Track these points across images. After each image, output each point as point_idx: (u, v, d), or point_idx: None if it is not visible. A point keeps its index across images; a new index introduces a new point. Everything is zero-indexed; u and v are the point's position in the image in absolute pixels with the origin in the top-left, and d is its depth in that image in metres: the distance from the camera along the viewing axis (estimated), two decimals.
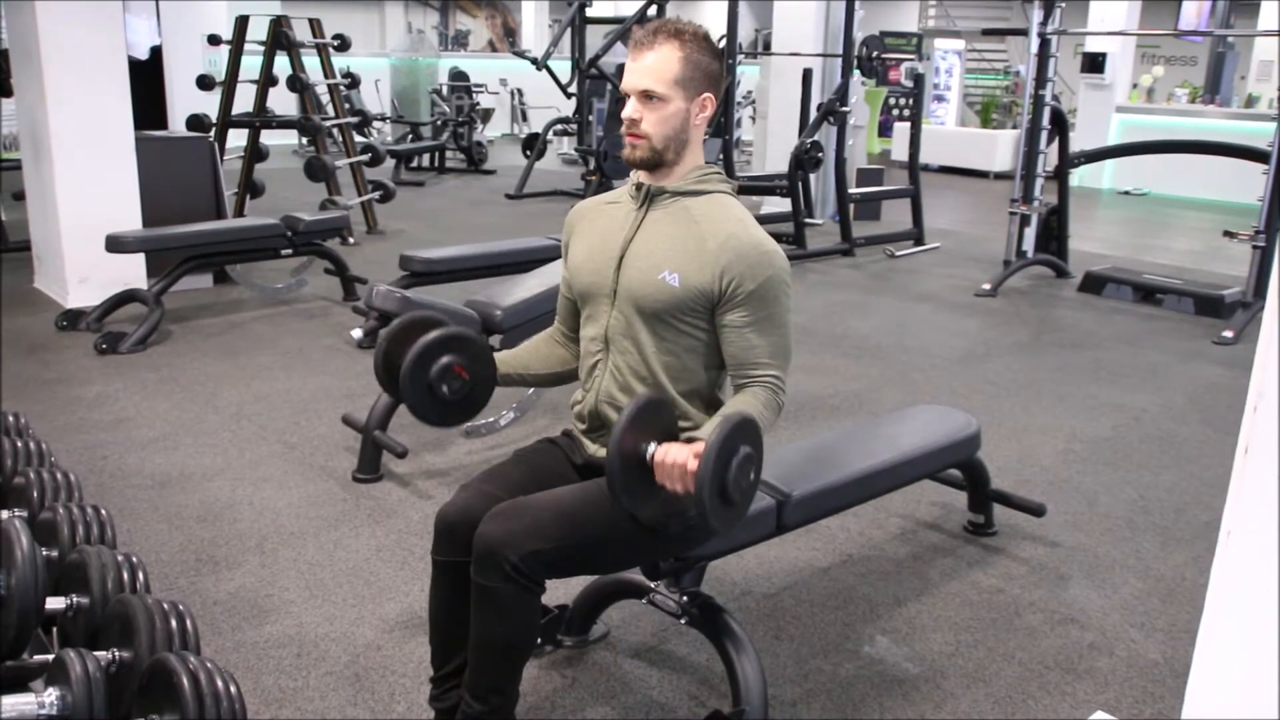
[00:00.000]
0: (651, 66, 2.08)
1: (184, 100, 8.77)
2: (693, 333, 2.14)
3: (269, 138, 8.90)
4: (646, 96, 2.08)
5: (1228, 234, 6.55)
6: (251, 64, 8.51)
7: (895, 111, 15.41)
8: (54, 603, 1.99)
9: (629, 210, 2.22)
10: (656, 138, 2.11)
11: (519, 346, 2.42)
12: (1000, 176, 13.45)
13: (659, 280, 2.10)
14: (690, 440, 1.90)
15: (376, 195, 8.50)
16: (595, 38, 10.95)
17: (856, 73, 8.73)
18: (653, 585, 2.46)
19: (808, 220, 8.24)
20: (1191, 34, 12.50)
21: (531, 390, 4.29)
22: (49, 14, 5.48)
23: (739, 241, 2.08)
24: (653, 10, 9.66)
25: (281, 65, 8.44)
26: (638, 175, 2.22)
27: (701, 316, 2.12)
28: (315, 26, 8.70)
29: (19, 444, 2.63)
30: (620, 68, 10.77)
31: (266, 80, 8.51)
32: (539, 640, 2.56)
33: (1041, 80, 7.17)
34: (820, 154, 8.10)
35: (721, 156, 8.54)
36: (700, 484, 1.80)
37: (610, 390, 2.20)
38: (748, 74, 13.31)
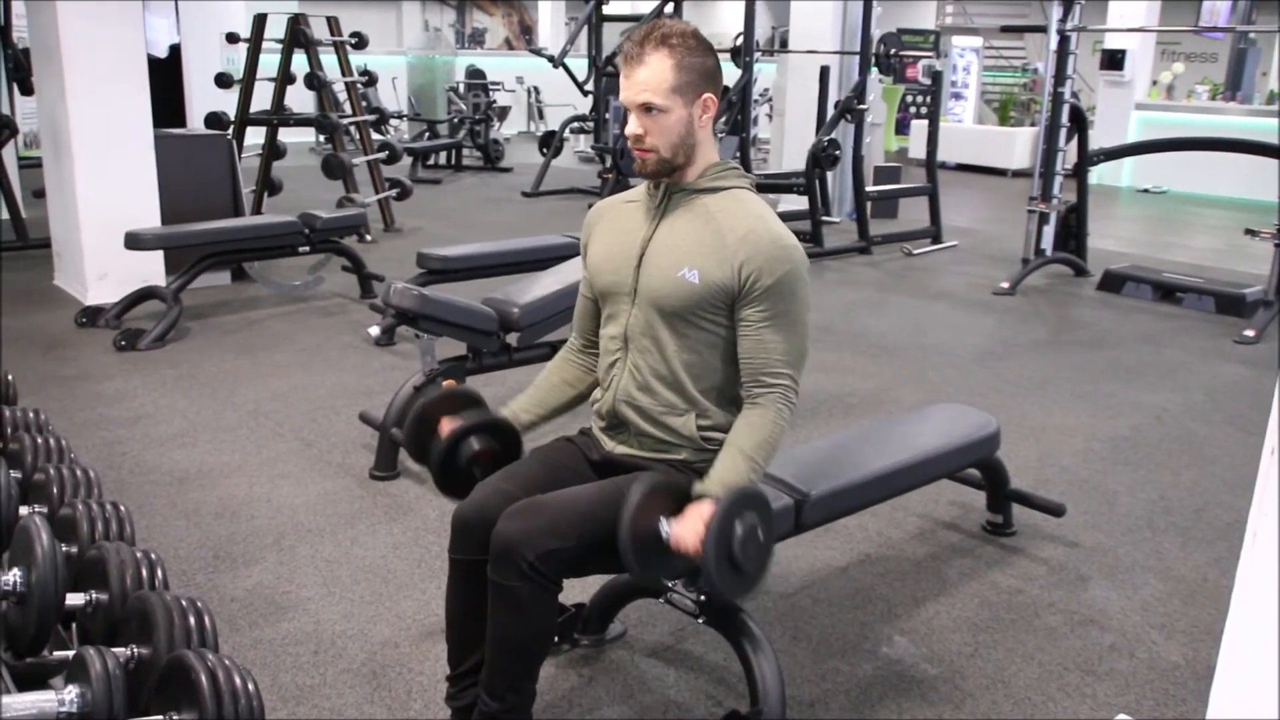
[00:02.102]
0: (645, 80, 2.06)
1: (202, 98, 8.81)
2: (713, 330, 2.13)
3: (287, 135, 8.93)
4: (646, 109, 2.07)
5: (1249, 232, 6.49)
6: (269, 62, 8.54)
7: (913, 109, 15.36)
8: (73, 599, 2.00)
9: (647, 209, 2.22)
10: (664, 148, 2.10)
11: (531, 387, 2.43)
12: (1018, 174, 13.39)
13: (679, 278, 2.10)
14: (699, 495, 2.01)
15: (394, 193, 8.52)
16: (612, 35, 10.94)
17: (874, 70, 8.70)
18: (670, 584, 2.45)
19: (825, 218, 8.21)
20: (1212, 30, 12.43)
21: None
22: (70, 13, 5.51)
23: (758, 236, 2.07)
24: (669, 8, 9.65)
25: (299, 63, 8.46)
26: None
27: (722, 313, 2.11)
28: (333, 24, 8.72)
29: (39, 440, 2.65)
30: None
31: (284, 78, 8.54)
32: (556, 639, 2.56)
33: (1061, 77, 7.12)
34: (837, 152, 8.07)
35: (738, 154, 8.52)
36: (706, 561, 1.92)
37: (629, 389, 2.19)
38: (765, 72, 13.28)
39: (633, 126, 2.09)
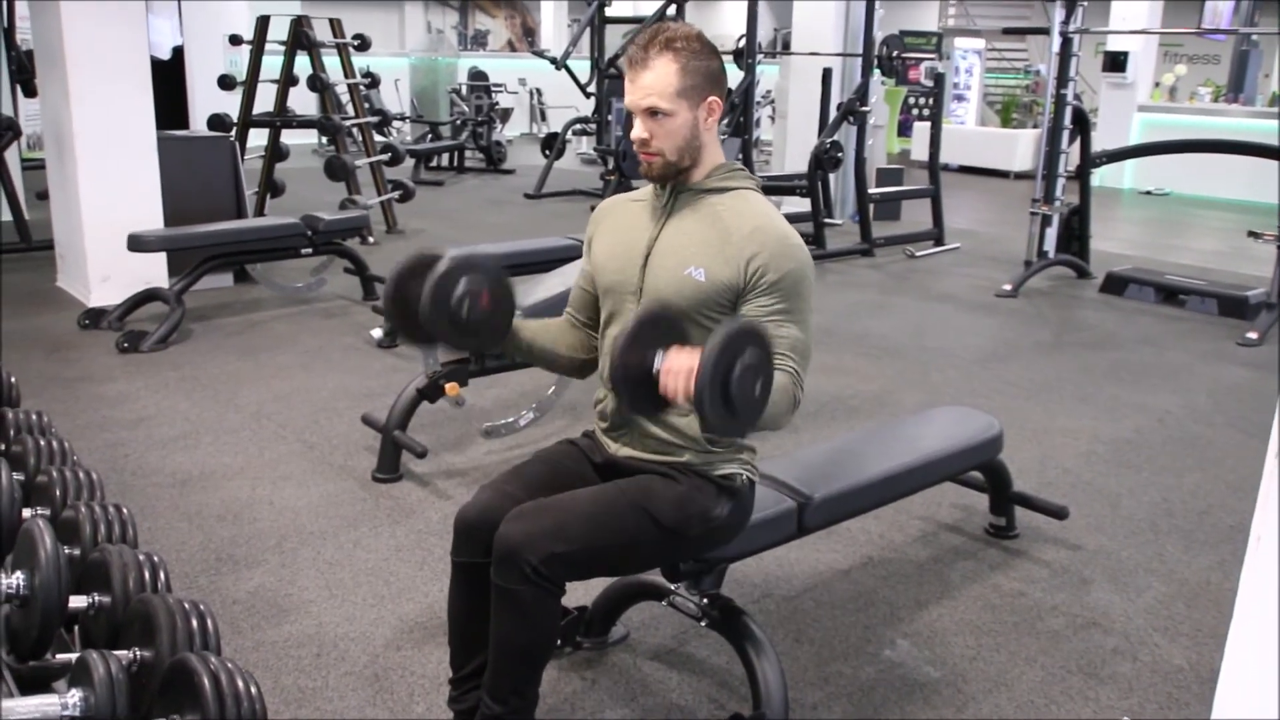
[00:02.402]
0: (651, 84, 2.06)
1: (205, 100, 8.82)
2: None
3: (289, 137, 8.93)
4: (651, 113, 2.07)
5: (1252, 234, 6.49)
6: (272, 64, 8.55)
7: (915, 111, 15.37)
8: (76, 601, 2.00)
9: (654, 208, 2.22)
10: (670, 151, 2.10)
11: (538, 320, 2.38)
12: (1020, 176, 13.38)
13: (685, 276, 2.10)
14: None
15: (396, 195, 8.52)
16: (614, 37, 10.97)
17: (876, 72, 8.71)
18: (673, 587, 2.45)
19: (827, 220, 8.22)
20: (1215, 32, 12.38)
21: (551, 390, 4.29)
22: (73, 15, 5.52)
23: (765, 234, 2.08)
24: (671, 10, 9.65)
25: (302, 65, 8.47)
26: None
27: (727, 311, 2.11)
28: (335, 26, 8.72)
29: (42, 442, 2.64)
30: None
31: (287, 80, 8.54)
32: (558, 642, 2.55)
33: (1063, 79, 7.12)
34: (840, 154, 8.07)
35: (740, 156, 8.52)
36: (701, 383, 1.76)
37: None
38: (767, 73, 13.28)
39: (638, 130, 2.09)
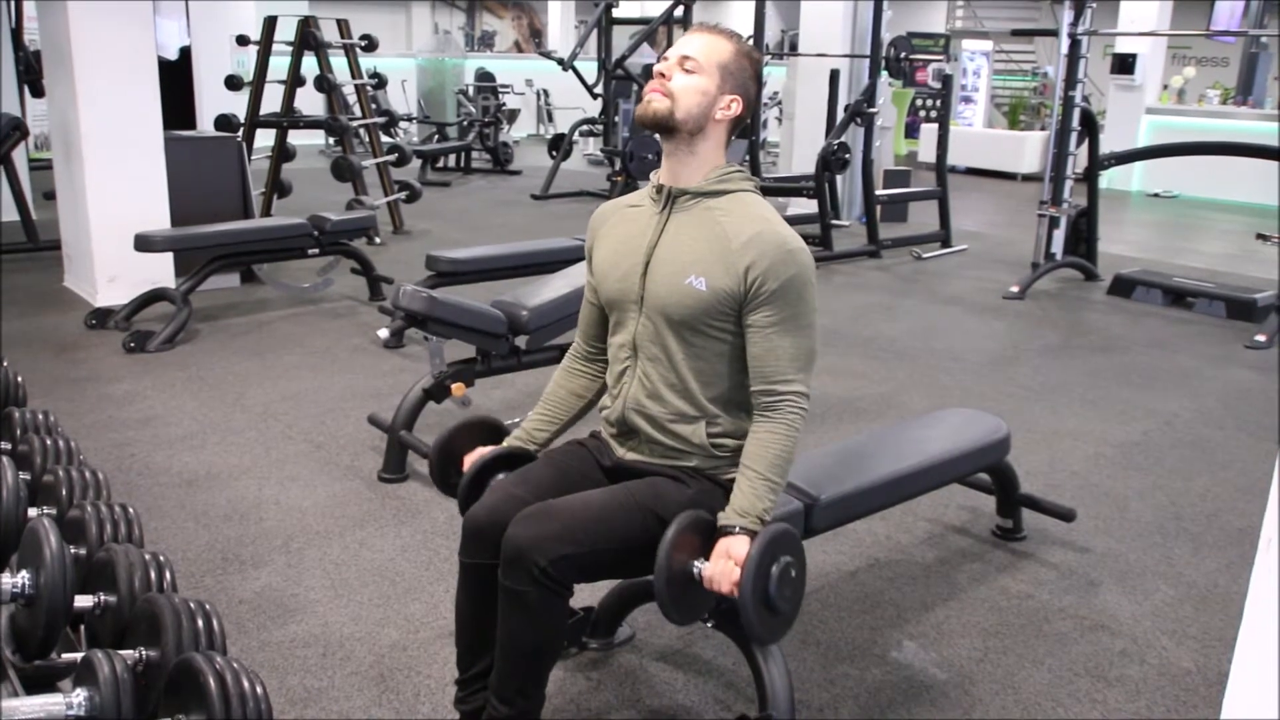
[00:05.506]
0: (702, 43, 2.13)
1: (212, 100, 8.82)
2: (721, 337, 2.12)
3: (296, 138, 8.95)
4: (684, 64, 2.12)
5: (1260, 237, 6.49)
6: (279, 64, 8.55)
7: (922, 113, 15.33)
8: (82, 601, 2.00)
9: (651, 214, 2.20)
10: (679, 102, 2.10)
11: (541, 402, 2.43)
12: (1028, 178, 13.36)
13: (686, 286, 2.08)
14: (724, 529, 2.06)
15: (403, 195, 8.53)
16: (621, 39, 10.95)
17: (884, 74, 8.70)
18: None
19: (834, 222, 8.20)
20: (1224, 34, 12.37)
21: None
22: (81, 15, 5.53)
23: (764, 240, 2.06)
24: (679, 11, 9.65)
25: (309, 66, 8.47)
26: (658, 177, 2.20)
27: (729, 319, 2.10)
28: (343, 27, 8.74)
29: (48, 442, 2.65)
30: (646, 69, 10.79)
31: (294, 80, 8.55)
32: (565, 642, 2.55)
33: (1071, 81, 7.10)
34: (847, 155, 8.06)
35: (747, 158, 8.52)
36: (744, 610, 2.00)
37: (639, 397, 2.18)
38: (774, 75, 13.28)
39: (663, 66, 2.14)
